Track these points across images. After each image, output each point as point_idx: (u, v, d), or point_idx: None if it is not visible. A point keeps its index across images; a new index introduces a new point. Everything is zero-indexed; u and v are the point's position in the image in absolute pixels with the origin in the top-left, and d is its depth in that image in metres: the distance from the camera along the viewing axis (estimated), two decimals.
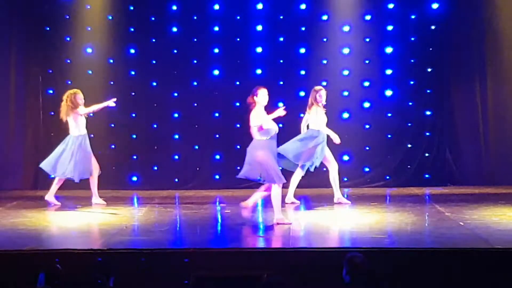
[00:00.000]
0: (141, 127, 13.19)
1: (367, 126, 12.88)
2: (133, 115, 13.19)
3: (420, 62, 12.94)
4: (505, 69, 12.91)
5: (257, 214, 10.22)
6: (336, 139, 10.76)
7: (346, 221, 9.66)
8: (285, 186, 12.19)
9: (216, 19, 13.16)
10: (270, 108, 13.11)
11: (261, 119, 8.95)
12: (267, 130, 8.96)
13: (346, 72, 13.05)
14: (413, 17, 12.95)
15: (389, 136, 13.05)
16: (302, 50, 13.11)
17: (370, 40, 12.99)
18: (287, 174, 11.33)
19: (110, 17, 13.15)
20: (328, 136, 10.71)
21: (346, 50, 13.08)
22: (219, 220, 10.07)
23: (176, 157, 13.21)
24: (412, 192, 12.10)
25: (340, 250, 7.35)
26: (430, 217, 9.83)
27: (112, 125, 13.09)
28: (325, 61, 13.08)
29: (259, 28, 13.15)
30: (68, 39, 13.09)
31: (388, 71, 13.00)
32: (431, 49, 12.94)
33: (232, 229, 9.19)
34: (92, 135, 13.01)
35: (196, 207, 10.70)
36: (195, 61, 13.17)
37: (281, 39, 13.08)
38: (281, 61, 13.14)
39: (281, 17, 13.11)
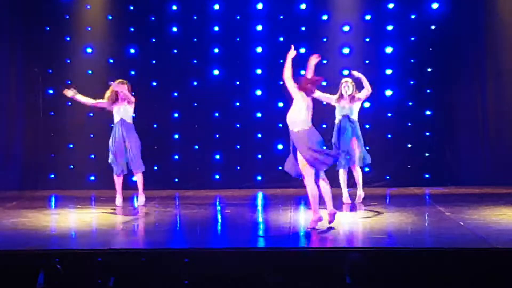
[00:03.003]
0: (141, 127, 13.15)
1: (367, 126, 12.86)
2: (133, 115, 13.17)
3: (420, 62, 12.94)
4: (505, 69, 12.91)
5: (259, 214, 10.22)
6: None
7: (346, 221, 9.66)
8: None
9: (216, 19, 13.16)
10: (269, 107, 13.18)
11: None
12: None
13: (346, 72, 13.02)
14: (413, 17, 12.95)
15: (389, 136, 13.05)
16: (302, 50, 13.07)
17: (370, 40, 12.99)
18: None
19: (110, 17, 13.16)
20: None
21: (346, 50, 13.08)
22: (219, 220, 10.07)
23: (176, 157, 13.21)
24: (412, 192, 12.11)
25: (340, 250, 7.36)
26: (430, 217, 9.84)
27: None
28: (325, 61, 13.07)
29: (259, 28, 13.15)
30: (68, 39, 13.09)
31: (388, 71, 13.00)
32: (431, 49, 12.94)
33: (232, 229, 9.19)
34: (92, 135, 13.08)
35: (196, 207, 10.70)
36: (195, 61, 13.17)
37: (281, 39, 13.08)
38: (281, 61, 13.07)
39: (281, 17, 13.12)
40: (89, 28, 13.13)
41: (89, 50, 13.14)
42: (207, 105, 13.08)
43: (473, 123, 12.98)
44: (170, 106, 13.20)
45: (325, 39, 13.07)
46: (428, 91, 13.00)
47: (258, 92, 13.16)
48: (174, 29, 13.17)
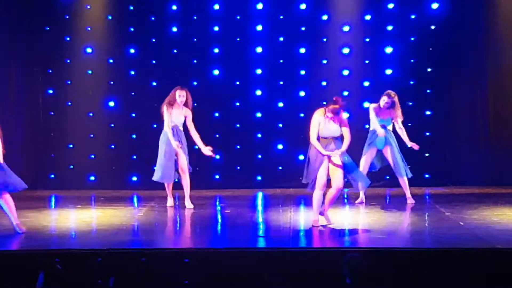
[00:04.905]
0: (141, 127, 13.17)
1: (367, 126, 12.85)
2: (133, 115, 13.18)
3: (420, 62, 12.95)
4: (505, 69, 12.91)
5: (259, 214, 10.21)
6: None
7: (346, 221, 9.67)
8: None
9: (216, 19, 13.16)
10: (269, 107, 13.18)
11: None
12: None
13: (346, 72, 13.05)
14: (413, 17, 12.95)
15: None
16: (302, 50, 13.11)
17: (370, 40, 13.00)
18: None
19: (110, 17, 13.15)
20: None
21: (346, 50, 13.08)
22: (219, 220, 10.07)
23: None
24: (412, 192, 12.07)
25: (340, 250, 7.36)
26: (430, 217, 9.83)
27: (112, 125, 13.09)
28: (325, 61, 13.09)
29: (259, 28, 13.15)
30: (68, 39, 13.09)
31: (388, 71, 13.00)
32: (431, 49, 12.94)
33: (232, 229, 9.19)
34: (92, 135, 13.09)
35: (196, 207, 10.70)
36: (195, 61, 13.17)
37: (281, 39, 13.08)
38: (281, 61, 13.14)
39: (281, 17, 13.11)
40: (89, 28, 13.13)
41: (89, 50, 13.14)
42: (207, 105, 13.07)
43: (473, 123, 12.99)
44: None
45: (325, 39, 13.08)
46: (428, 91, 13.01)
47: (258, 92, 13.16)
48: (174, 29, 13.17)
